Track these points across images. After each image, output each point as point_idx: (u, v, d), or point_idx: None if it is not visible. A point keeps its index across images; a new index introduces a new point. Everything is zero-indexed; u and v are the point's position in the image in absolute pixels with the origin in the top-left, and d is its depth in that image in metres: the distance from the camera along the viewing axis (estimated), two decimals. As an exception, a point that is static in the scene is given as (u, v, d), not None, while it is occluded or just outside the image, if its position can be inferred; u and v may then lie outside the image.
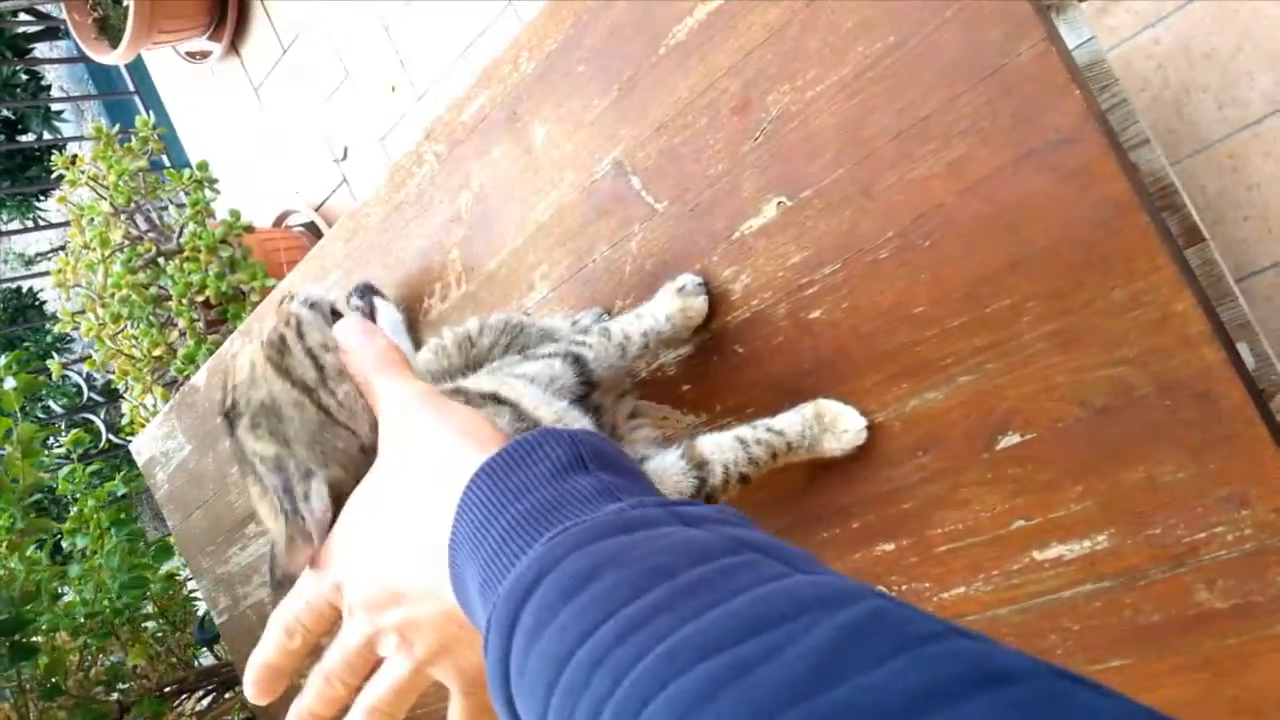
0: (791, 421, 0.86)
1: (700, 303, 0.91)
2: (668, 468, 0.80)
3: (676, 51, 0.89)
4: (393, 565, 0.62)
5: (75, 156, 2.82)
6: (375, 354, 0.69)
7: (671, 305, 0.90)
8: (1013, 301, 0.76)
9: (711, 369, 0.95)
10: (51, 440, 3.41)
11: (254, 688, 0.68)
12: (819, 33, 0.80)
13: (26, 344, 5.09)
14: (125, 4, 3.33)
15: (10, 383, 2.06)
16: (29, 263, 6.23)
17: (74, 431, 2.56)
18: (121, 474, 2.45)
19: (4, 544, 1.91)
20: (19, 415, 2.01)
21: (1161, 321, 0.70)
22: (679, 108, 0.90)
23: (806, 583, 0.42)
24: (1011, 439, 0.79)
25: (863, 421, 0.86)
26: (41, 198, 5.06)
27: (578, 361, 0.84)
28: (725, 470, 0.82)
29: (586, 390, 0.84)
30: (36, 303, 5.36)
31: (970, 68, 0.73)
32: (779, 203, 0.86)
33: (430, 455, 0.62)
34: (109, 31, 3.57)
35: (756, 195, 0.87)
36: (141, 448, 1.79)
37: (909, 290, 0.81)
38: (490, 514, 0.54)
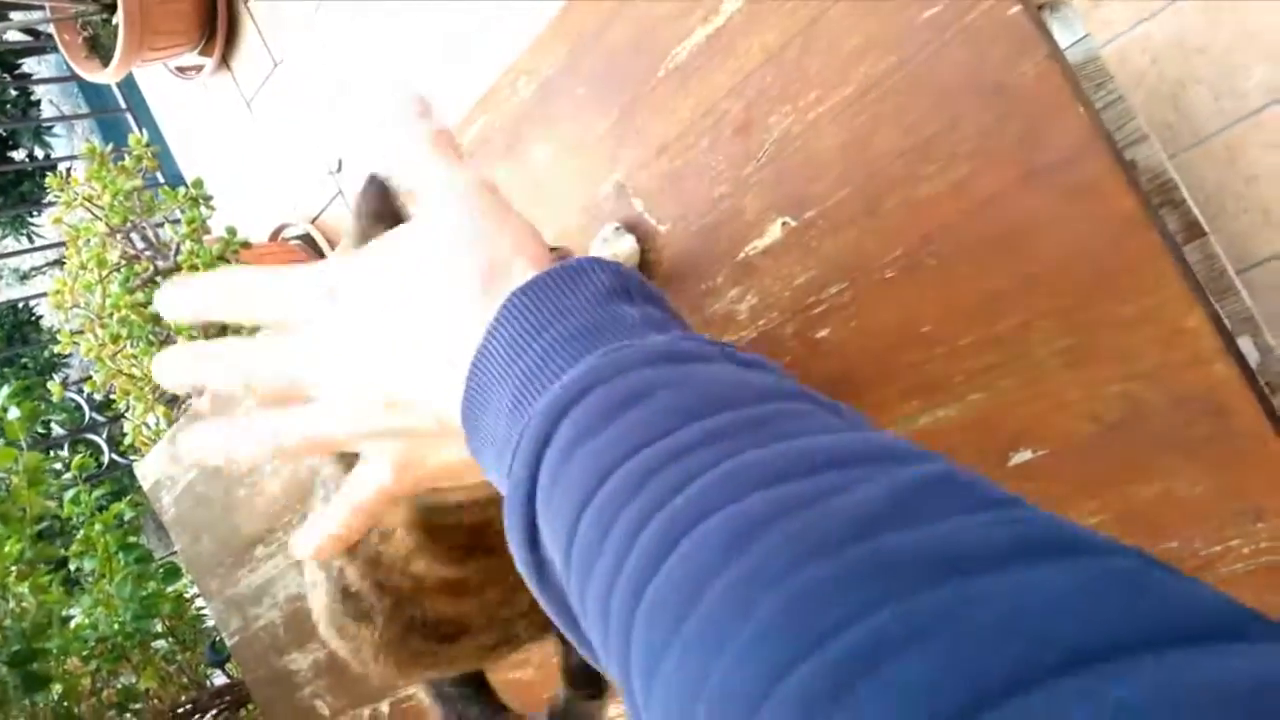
0: None
1: (625, 245, 0.92)
2: None
3: (676, 73, 0.89)
4: (396, 367, 0.55)
5: (69, 176, 2.82)
6: (430, 134, 0.59)
7: (603, 254, 0.91)
8: (1022, 319, 0.76)
9: (720, 389, 0.94)
10: (53, 457, 3.41)
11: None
12: (819, 54, 0.80)
13: (25, 361, 5.09)
14: (115, 22, 3.32)
15: (14, 412, 2.06)
16: (24, 277, 6.23)
17: (78, 457, 2.56)
18: (128, 498, 2.45)
19: (13, 574, 1.92)
20: (23, 445, 2.01)
21: (1172, 337, 0.70)
22: (680, 129, 0.90)
23: (877, 435, 0.40)
24: (1024, 455, 0.79)
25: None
26: (35, 213, 5.06)
27: None
28: None
29: None
30: (33, 318, 5.36)
31: (973, 86, 0.73)
32: (784, 223, 0.86)
33: (475, 255, 0.54)
34: (99, 50, 3.57)
35: (760, 216, 0.87)
36: (147, 471, 1.79)
37: (917, 309, 0.81)
38: (531, 331, 0.49)
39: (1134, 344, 0.71)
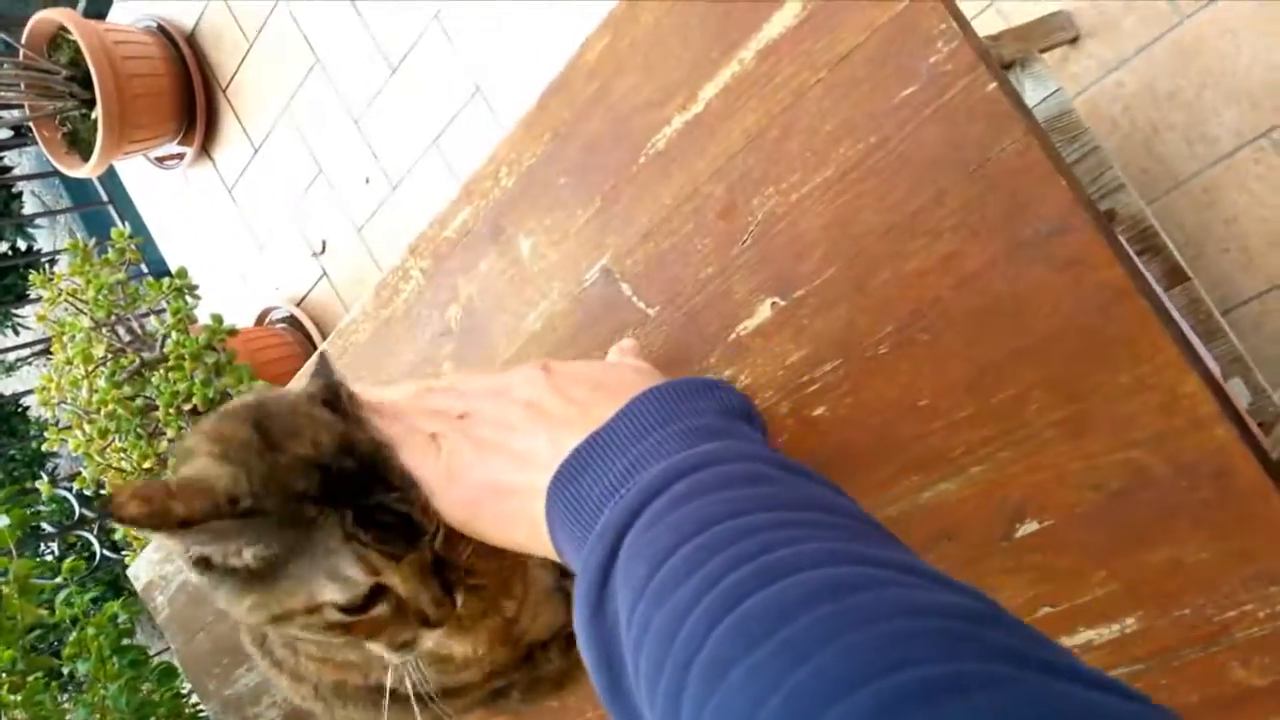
0: None
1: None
2: None
3: (657, 160, 0.89)
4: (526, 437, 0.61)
5: (54, 274, 2.81)
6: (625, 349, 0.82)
7: None
8: (1018, 391, 0.75)
9: (718, 470, 0.94)
10: (42, 553, 3.36)
11: None
12: (799, 136, 0.80)
13: (13, 454, 5.04)
14: (94, 117, 3.34)
15: (4, 520, 2.04)
16: (9, 369, 6.20)
17: (69, 560, 2.52)
18: (120, 600, 2.41)
19: (6, 685, 1.87)
20: (13, 551, 1.98)
21: (1170, 404, 0.69)
22: (664, 214, 0.90)
23: (944, 575, 0.42)
24: (1030, 526, 0.78)
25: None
26: (20, 305, 5.05)
27: None
28: None
29: None
30: (20, 409, 5.32)
31: (954, 163, 0.74)
32: (773, 303, 0.86)
33: (625, 371, 0.66)
34: (79, 145, 3.59)
35: (749, 296, 0.87)
36: (139, 572, 1.76)
37: (912, 383, 0.80)
38: (659, 420, 0.55)
39: (1132, 412, 0.71)
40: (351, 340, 1.21)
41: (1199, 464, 0.70)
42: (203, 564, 0.60)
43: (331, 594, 0.58)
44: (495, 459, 0.60)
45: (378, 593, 0.60)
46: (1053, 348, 0.73)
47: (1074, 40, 1.85)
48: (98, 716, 2.03)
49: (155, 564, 1.70)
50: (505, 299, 1.04)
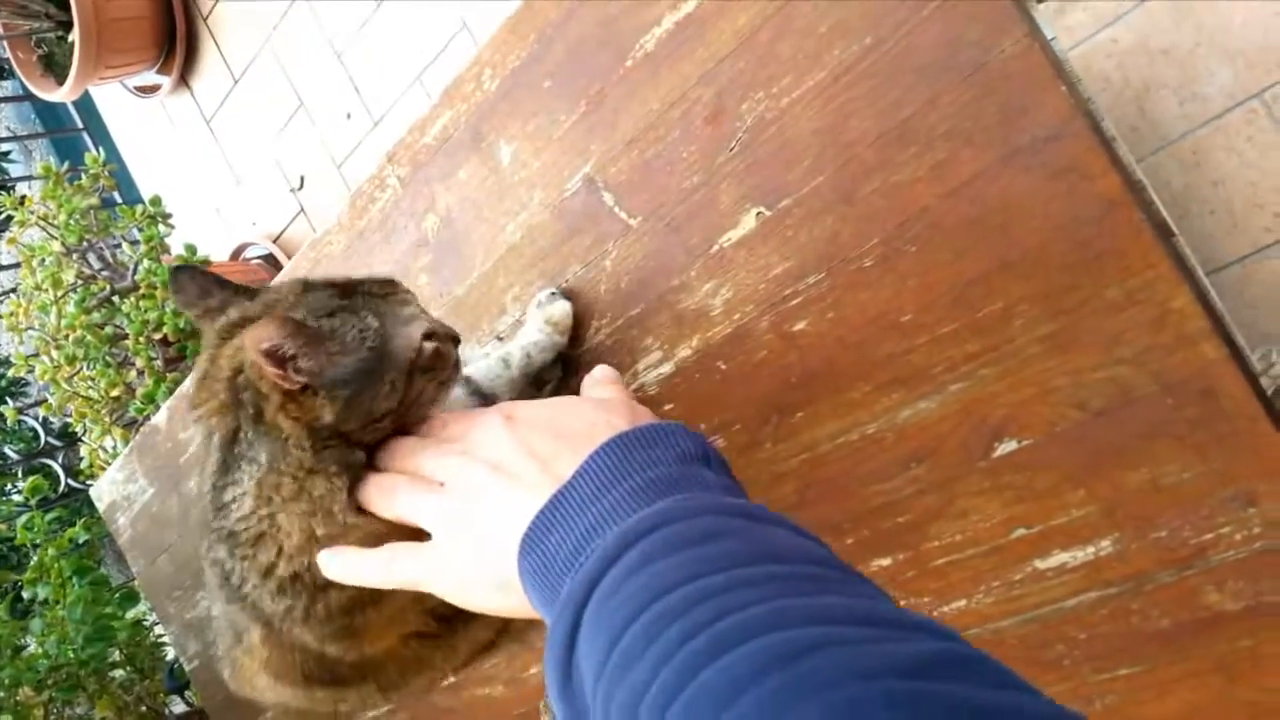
0: None
1: (559, 309, 0.95)
2: None
3: (645, 63, 0.86)
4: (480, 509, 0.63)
5: (24, 197, 2.75)
6: (600, 379, 0.76)
7: (537, 319, 0.96)
8: (1004, 305, 0.74)
9: (695, 387, 0.92)
10: (8, 488, 3.31)
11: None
12: (792, 37, 0.78)
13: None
14: (70, 40, 3.27)
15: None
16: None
17: (31, 479, 2.48)
18: (83, 520, 2.37)
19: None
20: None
21: (1159, 319, 0.68)
22: (650, 120, 0.87)
23: (914, 612, 0.43)
24: (1008, 445, 0.77)
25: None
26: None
27: (467, 381, 0.88)
28: None
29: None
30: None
31: (951, 67, 0.71)
32: (758, 213, 0.83)
33: (585, 412, 0.66)
34: (54, 68, 3.51)
35: (734, 206, 0.85)
36: (102, 493, 1.73)
37: (896, 298, 0.78)
38: (616, 476, 0.56)
39: (1119, 327, 0.70)
40: (325, 252, 1.18)
41: (1186, 382, 0.68)
42: (320, 380, 0.66)
43: (418, 329, 0.70)
44: (466, 540, 0.63)
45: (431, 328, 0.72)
46: (1042, 260, 0.71)
47: (1070, -7, 1.83)
48: (55, 635, 2.00)
49: (119, 484, 1.67)
50: (484, 209, 1.01)
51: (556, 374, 0.99)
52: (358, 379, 0.66)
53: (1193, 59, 1.73)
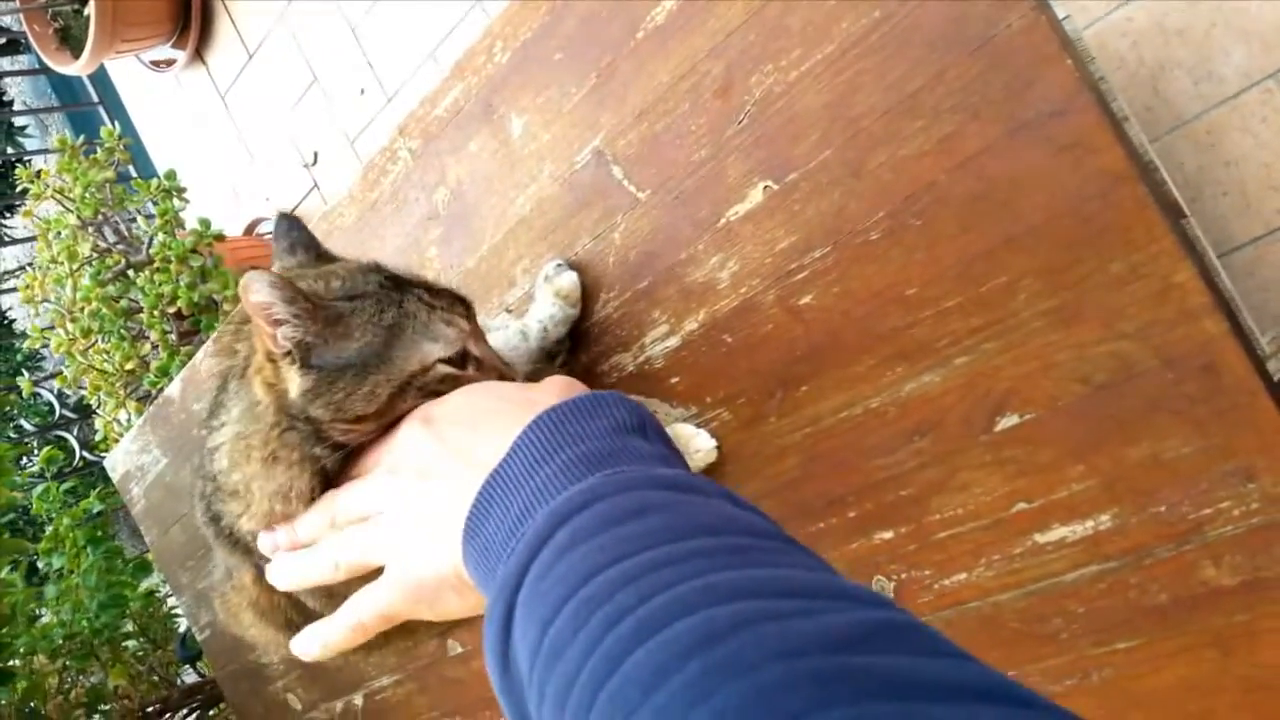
0: None
1: (566, 280, 0.96)
2: None
3: (655, 35, 0.87)
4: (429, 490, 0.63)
5: (40, 170, 2.77)
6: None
7: (547, 292, 0.96)
8: (1008, 279, 0.74)
9: (701, 360, 0.93)
10: (24, 459, 3.35)
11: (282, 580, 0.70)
12: (801, 10, 0.78)
13: (-4, 363, 5.01)
14: (86, 14, 3.28)
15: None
16: (-6, 280, 6.14)
17: (47, 449, 2.50)
18: (97, 491, 2.40)
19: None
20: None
21: (1162, 294, 0.68)
22: (659, 93, 0.88)
23: (842, 581, 0.43)
24: (1010, 420, 0.78)
25: (713, 443, 0.93)
26: (8, 214, 4.99)
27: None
28: None
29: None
30: (5, 321, 5.28)
31: (958, 40, 0.72)
32: (765, 187, 0.84)
33: (517, 389, 0.66)
34: (70, 42, 3.52)
35: (742, 180, 0.85)
36: (116, 463, 1.75)
37: (902, 271, 0.79)
38: (550, 450, 0.55)
39: (1122, 302, 0.70)
40: (337, 224, 1.19)
41: (1187, 357, 0.69)
42: (306, 354, 0.66)
43: (438, 351, 0.69)
44: (415, 558, 0.63)
45: (465, 355, 0.71)
46: (1046, 234, 0.72)
47: (1087, -27, 1.82)
48: (69, 604, 2.03)
49: (133, 454, 1.69)
50: (494, 181, 1.02)
51: (566, 347, 1.00)
52: (340, 369, 0.66)
53: (1208, 39, 1.72)
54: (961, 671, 0.35)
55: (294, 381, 0.65)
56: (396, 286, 0.71)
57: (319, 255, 0.79)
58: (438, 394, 0.68)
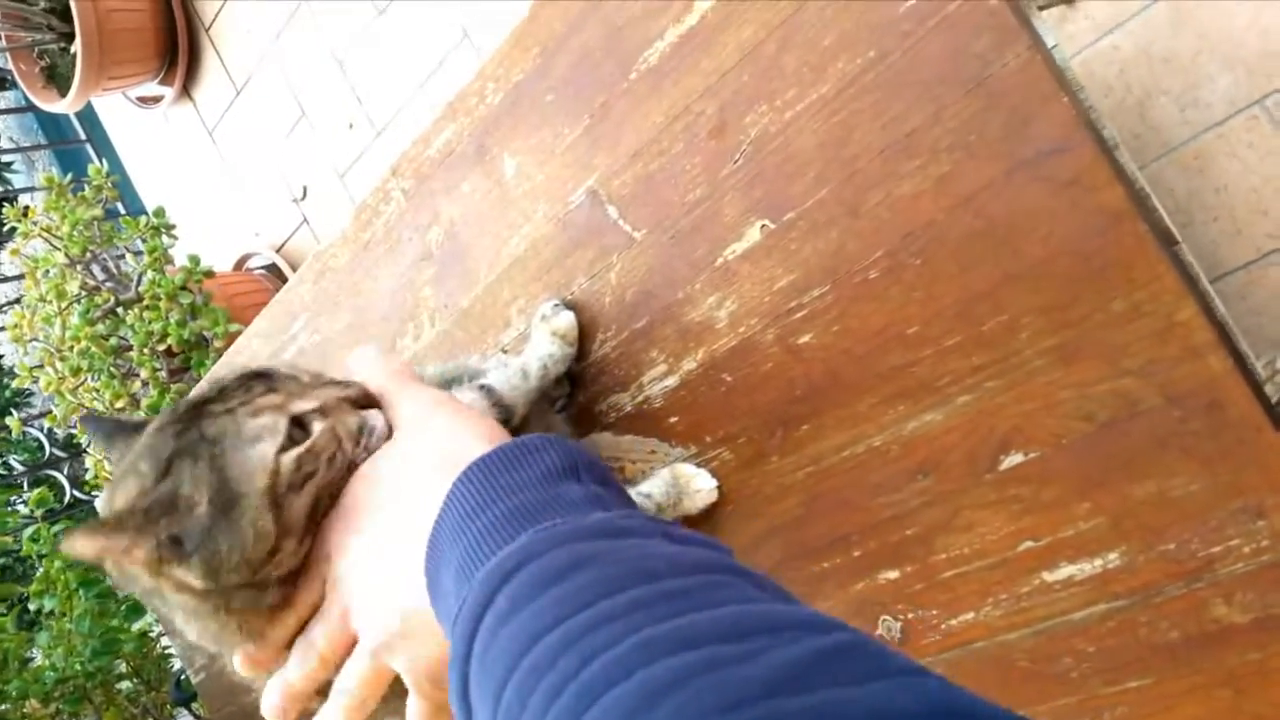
0: (655, 485, 0.92)
1: (564, 320, 0.95)
2: None
3: (649, 76, 0.86)
4: (378, 548, 0.62)
5: (27, 208, 2.76)
6: (393, 369, 0.71)
7: (544, 332, 0.95)
8: (1009, 317, 0.74)
9: (700, 400, 0.92)
10: (14, 499, 3.31)
11: (272, 712, 0.66)
12: (796, 50, 0.78)
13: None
14: (73, 51, 3.27)
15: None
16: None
17: (37, 490, 2.48)
18: (88, 533, 2.36)
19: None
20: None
21: (1165, 331, 0.68)
22: (654, 133, 0.87)
23: (787, 608, 0.43)
24: (1015, 458, 0.77)
25: (713, 483, 0.93)
26: (-6, 250, 4.96)
27: (487, 390, 0.86)
28: None
29: (504, 419, 0.85)
30: (-8, 358, 5.24)
31: (954, 80, 0.71)
32: (762, 226, 0.83)
33: (438, 445, 0.63)
34: (57, 80, 3.51)
35: (738, 219, 0.85)
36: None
37: (902, 310, 0.78)
38: (479, 505, 0.54)
39: (1125, 340, 0.70)
40: (329, 264, 1.18)
41: (1192, 394, 0.68)
42: (177, 548, 0.60)
43: (270, 448, 0.62)
44: (410, 649, 0.61)
45: (300, 423, 0.64)
46: (1047, 272, 0.71)
47: (1071, 1, 1.83)
48: (61, 647, 2.00)
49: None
50: (488, 221, 1.01)
51: (565, 390, 0.99)
52: (212, 532, 0.59)
53: (1194, 66, 1.73)
54: (905, 693, 0.35)
55: (190, 575, 0.60)
56: (192, 418, 0.63)
57: (134, 429, 0.70)
58: (313, 473, 0.63)
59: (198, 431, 0.62)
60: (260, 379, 0.66)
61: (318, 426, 0.64)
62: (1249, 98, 1.69)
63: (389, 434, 0.66)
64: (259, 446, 0.61)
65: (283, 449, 0.61)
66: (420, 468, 0.62)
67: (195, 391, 0.68)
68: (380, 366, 0.71)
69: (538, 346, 0.94)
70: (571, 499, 0.55)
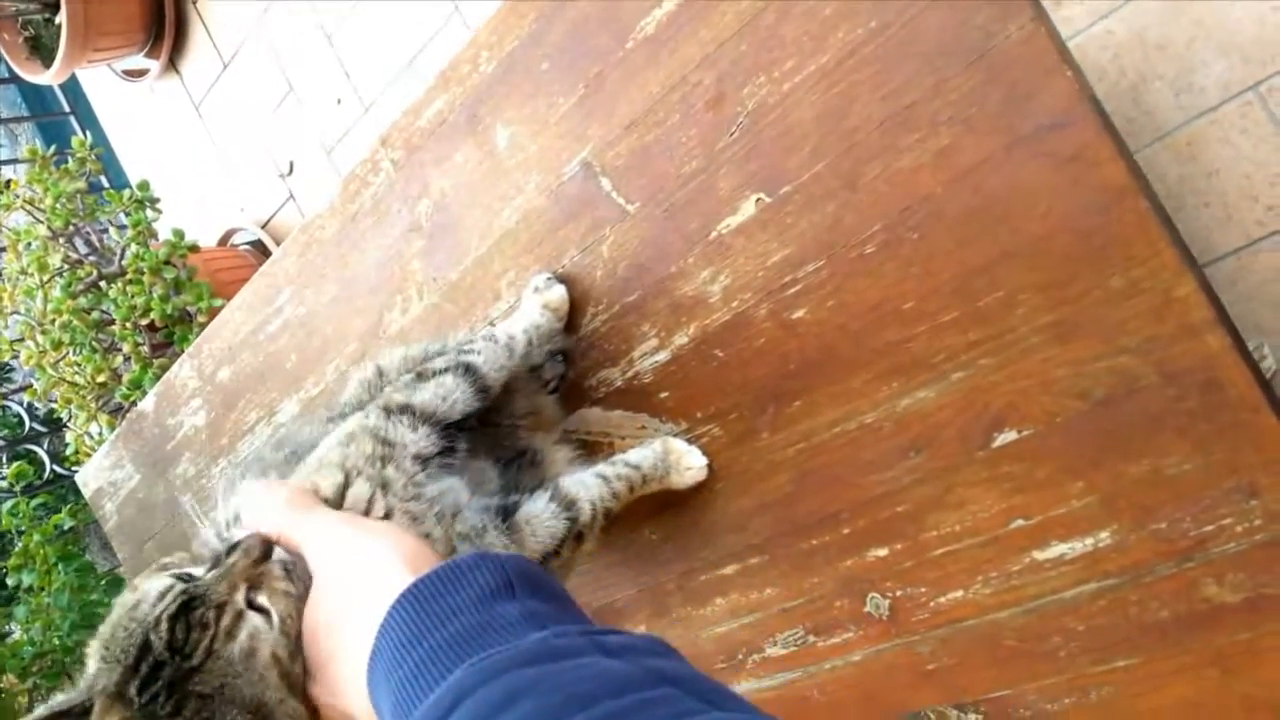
0: (644, 456, 0.91)
1: (556, 293, 0.95)
2: (539, 513, 0.81)
3: (645, 45, 0.85)
4: (334, 692, 0.61)
5: (9, 181, 2.72)
6: (281, 503, 0.68)
7: (535, 303, 0.94)
8: (1006, 294, 0.73)
9: (691, 375, 0.91)
10: (-7, 473, 3.28)
11: None
12: (796, 20, 0.77)
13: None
14: (58, 23, 3.23)
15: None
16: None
17: (16, 464, 2.46)
18: (68, 506, 2.35)
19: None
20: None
21: (1163, 308, 0.67)
22: (649, 104, 0.86)
23: (734, 716, 0.43)
24: (1008, 436, 0.76)
25: (704, 460, 0.92)
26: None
27: (469, 370, 0.84)
28: (592, 507, 0.84)
29: (483, 398, 0.84)
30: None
31: (956, 52, 0.71)
32: (758, 199, 0.83)
33: (360, 581, 0.62)
34: (41, 51, 3.47)
35: (734, 193, 0.84)
36: (88, 478, 1.71)
37: (897, 285, 0.78)
38: (412, 638, 0.54)
39: (1123, 317, 0.69)
40: (316, 236, 1.17)
41: (1189, 372, 0.68)
42: None
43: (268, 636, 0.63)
44: None
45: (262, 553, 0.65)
46: (1045, 249, 0.71)
47: (1067, -15, 1.82)
48: (39, 621, 1.98)
49: (105, 470, 1.66)
50: (479, 193, 1.00)
51: (558, 370, 0.99)
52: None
53: (1188, 52, 1.72)
54: None
55: None
56: (175, 696, 0.62)
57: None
58: (292, 634, 0.64)
59: (193, 704, 0.61)
60: (185, 611, 0.63)
61: (265, 601, 0.63)
62: (1243, 83, 1.69)
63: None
64: (256, 657, 0.62)
65: (270, 643, 0.62)
66: (351, 612, 0.61)
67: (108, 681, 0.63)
68: (270, 505, 0.69)
69: (525, 316, 0.93)
70: (507, 620, 0.54)
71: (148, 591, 0.65)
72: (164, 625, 0.62)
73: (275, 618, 0.62)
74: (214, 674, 0.61)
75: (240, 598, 0.63)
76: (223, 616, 0.62)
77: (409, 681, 0.52)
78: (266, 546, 0.65)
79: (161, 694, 0.61)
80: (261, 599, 0.63)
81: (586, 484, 0.85)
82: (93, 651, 0.65)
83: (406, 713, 0.51)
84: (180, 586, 0.63)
